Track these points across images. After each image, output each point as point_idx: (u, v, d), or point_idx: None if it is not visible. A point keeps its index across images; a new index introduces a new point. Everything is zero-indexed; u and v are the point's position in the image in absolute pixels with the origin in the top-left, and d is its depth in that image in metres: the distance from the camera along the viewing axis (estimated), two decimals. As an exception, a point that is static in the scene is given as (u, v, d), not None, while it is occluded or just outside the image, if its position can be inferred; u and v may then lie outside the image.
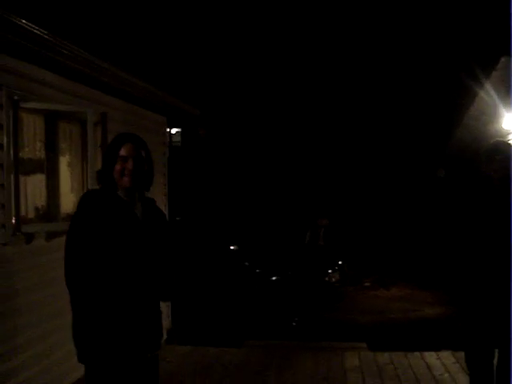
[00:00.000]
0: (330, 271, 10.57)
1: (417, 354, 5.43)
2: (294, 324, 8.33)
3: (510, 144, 3.92)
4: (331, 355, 5.50)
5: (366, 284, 11.30)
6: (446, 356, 5.31)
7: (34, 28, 3.73)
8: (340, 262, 11.03)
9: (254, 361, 5.37)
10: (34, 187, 4.36)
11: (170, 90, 6.62)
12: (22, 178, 4.04)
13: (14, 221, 3.88)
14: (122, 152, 2.47)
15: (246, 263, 10.77)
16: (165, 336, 6.90)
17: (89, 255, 2.35)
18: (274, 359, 5.45)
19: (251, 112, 16.44)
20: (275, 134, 16.41)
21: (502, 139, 4.56)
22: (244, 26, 15.49)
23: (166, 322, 7.00)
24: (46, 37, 3.88)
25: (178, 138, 17.47)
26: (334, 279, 10.52)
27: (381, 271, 11.99)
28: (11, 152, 3.88)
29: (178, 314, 7.45)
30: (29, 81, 4.12)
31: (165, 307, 6.95)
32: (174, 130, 16.35)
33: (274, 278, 10.37)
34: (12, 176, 3.89)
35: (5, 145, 3.81)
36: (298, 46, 15.84)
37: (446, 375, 4.82)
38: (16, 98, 3.91)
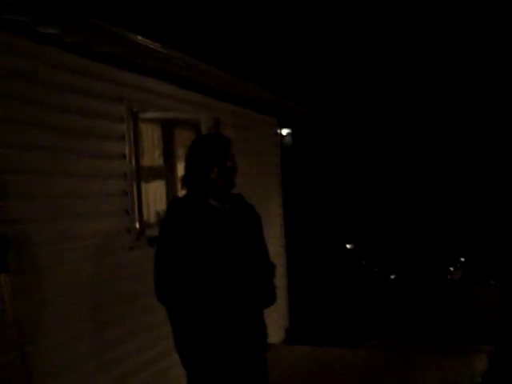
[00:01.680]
0: (451, 268, 10.04)
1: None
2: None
3: None
4: (457, 357, 5.21)
5: (492, 282, 10.59)
6: None
7: (148, 42, 3.92)
8: (462, 259, 10.43)
9: (375, 362, 5.23)
10: (154, 193, 4.59)
11: (279, 90, 6.66)
12: (143, 185, 4.27)
13: (138, 225, 4.11)
14: (232, 151, 2.49)
15: (364, 262, 10.55)
16: (283, 336, 6.97)
17: (180, 263, 2.28)
18: (397, 360, 5.27)
19: (362, 109, 16.10)
20: (387, 129, 15.93)
21: None
22: (352, 23, 15.21)
23: (284, 322, 7.07)
24: (159, 49, 4.06)
25: (289, 139, 17.58)
26: (456, 277, 9.98)
27: (506, 269, 11.17)
28: (133, 161, 4.11)
29: (296, 313, 7.46)
30: (145, 92, 4.34)
31: (283, 307, 7.02)
32: (284, 131, 16.47)
33: (392, 277, 10.06)
34: (135, 184, 4.12)
35: (127, 154, 4.05)
36: (409, 42, 15.25)
37: None
38: (135, 109, 4.14)
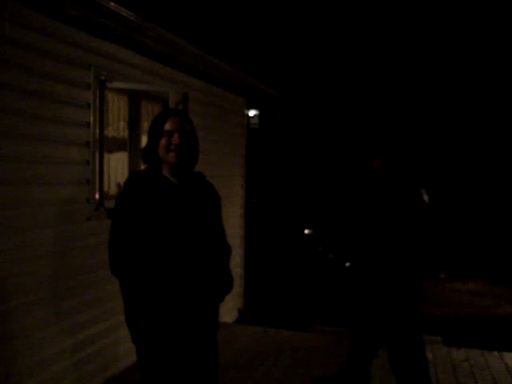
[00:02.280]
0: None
1: (495, 353, 5.18)
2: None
3: None
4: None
5: (442, 276, 10.93)
6: (528, 358, 5.04)
7: (121, 10, 3.83)
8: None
9: (324, 346, 5.34)
10: (116, 164, 4.52)
11: (250, 71, 6.62)
12: (105, 156, 4.19)
13: (97, 196, 4.05)
14: (167, 126, 2.39)
15: (320, 248, 10.72)
16: (236, 316, 7.03)
17: (133, 237, 2.27)
18: (344, 345, 5.39)
19: (329, 94, 16.19)
20: (351, 118, 16.08)
21: None
22: (323, 7, 15.18)
23: (237, 302, 7.13)
24: (132, 19, 3.97)
25: (256, 120, 17.57)
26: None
27: (457, 263, 11.55)
28: (97, 130, 4.03)
29: (250, 294, 7.53)
30: (115, 61, 4.25)
31: (238, 287, 7.07)
32: (251, 113, 16.45)
33: (347, 265, 10.26)
34: (97, 153, 4.04)
35: (91, 123, 3.97)
36: (379, 22, 15.33)
37: (528, 378, 4.58)
38: (103, 78, 4.05)
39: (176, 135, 2.38)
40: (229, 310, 6.61)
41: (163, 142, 2.38)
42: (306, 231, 11.37)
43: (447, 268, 11.39)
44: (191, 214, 2.39)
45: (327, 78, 15.94)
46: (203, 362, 2.49)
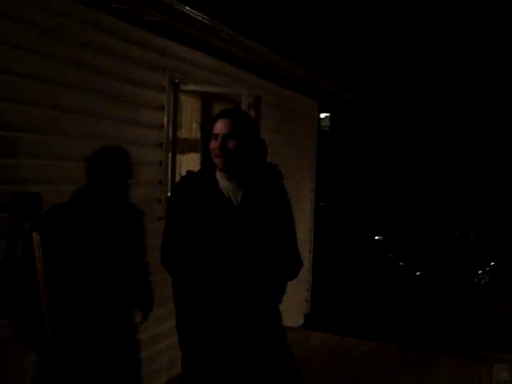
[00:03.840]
0: (479, 272, 9.83)
1: None
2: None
3: None
4: (476, 363, 5.11)
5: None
6: None
7: (196, 14, 3.88)
8: (492, 263, 10.21)
9: (391, 357, 5.18)
10: (188, 166, 4.59)
11: (323, 74, 6.55)
12: (178, 157, 4.26)
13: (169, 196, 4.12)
14: (216, 129, 2.22)
15: (390, 255, 10.43)
16: (302, 321, 6.97)
17: (181, 241, 2.21)
18: (413, 358, 5.21)
19: (404, 99, 15.77)
20: (428, 123, 15.58)
21: None
22: (397, 13, 14.82)
23: (304, 307, 7.06)
24: (206, 22, 4.02)
25: (327, 123, 17.38)
26: (483, 281, 9.76)
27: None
28: (170, 131, 4.11)
29: (317, 300, 7.45)
30: (188, 64, 4.31)
31: (305, 291, 7.00)
32: (322, 115, 16.29)
33: (418, 273, 9.93)
34: (170, 154, 4.12)
35: (165, 124, 4.05)
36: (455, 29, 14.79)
37: None
38: (177, 80, 4.12)
39: (220, 139, 2.20)
40: (295, 315, 6.56)
41: (212, 145, 2.23)
42: (377, 237, 11.10)
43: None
44: (238, 222, 2.22)
45: (400, 81, 15.53)
46: (260, 372, 2.32)
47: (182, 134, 4.44)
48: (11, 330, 2.79)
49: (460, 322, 7.84)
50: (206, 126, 4.75)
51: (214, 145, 2.21)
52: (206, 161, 2.31)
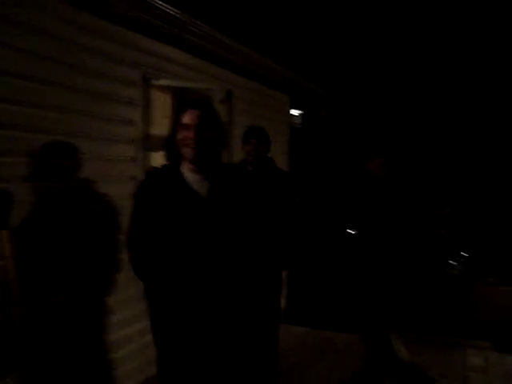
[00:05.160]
0: (451, 262, 10.01)
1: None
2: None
3: None
4: (450, 351, 5.20)
5: (490, 279, 10.55)
6: None
7: (167, 8, 3.84)
8: (465, 254, 10.40)
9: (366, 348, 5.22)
10: (162, 162, 4.54)
11: (295, 68, 6.56)
12: (150, 153, 4.21)
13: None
14: (185, 119, 2.18)
15: (364, 248, 10.50)
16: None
17: (148, 237, 2.14)
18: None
19: (376, 94, 15.92)
20: (399, 119, 15.76)
21: None
22: (369, 8, 14.94)
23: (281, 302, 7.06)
24: (178, 15, 3.98)
25: (299, 120, 17.45)
26: (455, 271, 9.94)
27: (507, 266, 11.13)
28: (142, 127, 4.06)
29: (294, 294, 7.46)
30: (160, 59, 4.26)
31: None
32: (295, 112, 16.34)
33: (392, 266, 10.03)
34: (142, 150, 4.07)
35: (137, 120, 3.99)
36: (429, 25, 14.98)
37: None
38: (148, 75, 4.07)
39: (193, 130, 2.17)
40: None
41: (180, 135, 2.19)
42: (351, 231, 11.17)
43: (495, 272, 11.01)
44: (207, 214, 2.17)
45: (372, 77, 15.67)
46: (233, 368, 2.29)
47: (155, 130, 4.39)
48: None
49: (433, 312, 7.96)
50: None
51: (185, 135, 2.18)
52: (171, 153, 2.27)
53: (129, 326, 3.95)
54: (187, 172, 2.24)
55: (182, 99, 4.73)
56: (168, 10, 3.87)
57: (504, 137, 14.47)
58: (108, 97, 3.69)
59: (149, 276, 2.21)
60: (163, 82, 4.24)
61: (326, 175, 15.28)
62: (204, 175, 2.24)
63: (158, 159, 4.44)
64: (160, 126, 4.52)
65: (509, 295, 9.48)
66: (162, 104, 4.54)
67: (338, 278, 9.46)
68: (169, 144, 2.28)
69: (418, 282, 9.46)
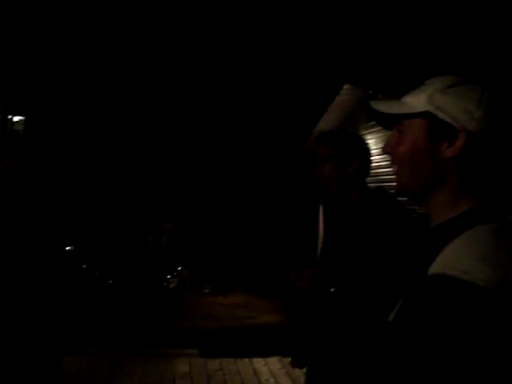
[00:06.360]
0: (168, 277, 10.52)
1: (246, 360, 5.61)
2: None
3: None
4: (162, 362, 5.47)
5: (206, 290, 11.40)
6: (274, 362, 5.56)
7: None
8: (179, 268, 11.04)
9: (84, 368, 5.15)
10: None
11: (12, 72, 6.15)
12: None
13: None
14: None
15: (84, 265, 10.31)
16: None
17: None
18: (105, 365, 5.29)
19: (99, 108, 15.80)
20: (122, 134, 15.91)
21: None
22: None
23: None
24: None
25: (21, 127, 16.25)
26: (172, 285, 10.46)
27: (221, 278, 12.20)
28: None
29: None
30: None
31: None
32: (16, 118, 15.16)
33: (110, 282, 10.09)
34: None
35: None
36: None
37: (272, 380, 5.05)
38: None
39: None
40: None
41: None
42: (68, 248, 10.85)
43: (211, 283, 11.97)
44: None
45: (97, 91, 15.52)
46: None
47: None
48: None
49: (151, 325, 8.24)
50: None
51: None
52: None
53: None
54: None
55: None
56: None
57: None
58: None
59: None
60: None
61: (50, 186, 14.51)
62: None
63: None
64: None
65: (219, 304, 10.41)
66: None
67: (57, 296, 9.06)
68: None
69: (139, 298, 9.69)
